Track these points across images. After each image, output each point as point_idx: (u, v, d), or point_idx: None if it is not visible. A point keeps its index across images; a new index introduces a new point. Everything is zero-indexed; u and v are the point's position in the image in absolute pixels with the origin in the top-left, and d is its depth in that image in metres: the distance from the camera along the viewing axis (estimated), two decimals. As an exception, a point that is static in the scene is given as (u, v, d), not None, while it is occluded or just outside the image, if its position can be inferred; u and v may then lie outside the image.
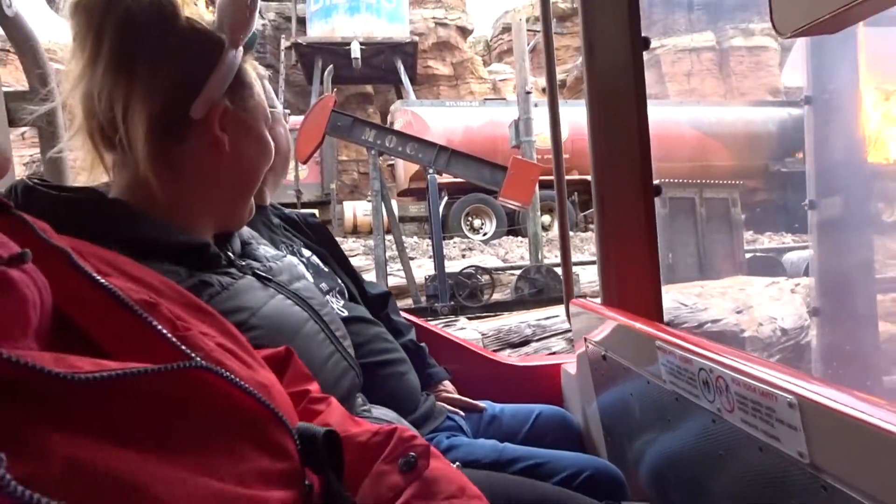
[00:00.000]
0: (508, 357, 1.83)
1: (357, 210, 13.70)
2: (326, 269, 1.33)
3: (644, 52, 1.44)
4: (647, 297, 1.44)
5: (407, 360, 1.32)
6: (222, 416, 0.48)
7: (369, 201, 10.23)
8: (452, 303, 7.97)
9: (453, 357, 1.64)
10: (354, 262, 10.58)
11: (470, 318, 6.15)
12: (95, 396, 0.40)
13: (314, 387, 0.75)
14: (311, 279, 1.19)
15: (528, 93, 9.31)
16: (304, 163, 9.14)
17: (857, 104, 2.83)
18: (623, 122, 1.43)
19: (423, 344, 1.48)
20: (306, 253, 1.32)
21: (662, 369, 0.94)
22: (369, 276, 9.45)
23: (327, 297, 1.22)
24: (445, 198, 11.98)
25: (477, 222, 12.94)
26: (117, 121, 0.77)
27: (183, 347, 0.50)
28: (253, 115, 0.88)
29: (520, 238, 12.08)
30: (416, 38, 18.53)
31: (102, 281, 0.50)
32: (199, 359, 0.50)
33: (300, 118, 10.26)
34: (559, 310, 4.79)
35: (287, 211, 1.44)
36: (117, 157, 0.82)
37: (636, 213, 1.44)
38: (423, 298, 8.33)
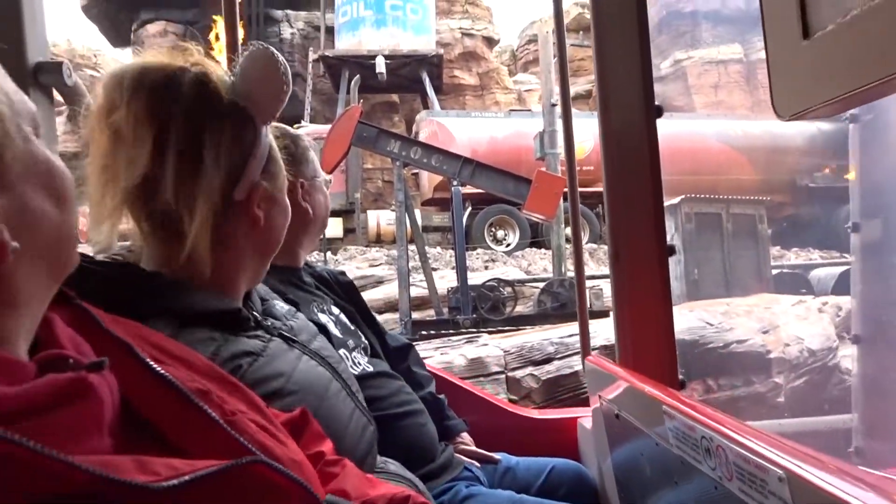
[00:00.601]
0: (526, 409, 1.86)
1: (381, 219, 13.75)
2: (353, 328, 1.39)
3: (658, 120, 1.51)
4: (662, 359, 1.48)
5: (426, 412, 1.36)
6: (271, 500, 0.55)
7: (393, 210, 10.27)
8: (475, 315, 7.96)
9: (471, 408, 1.69)
10: (377, 271, 10.65)
11: (492, 334, 6.13)
12: (173, 496, 0.46)
13: (328, 447, 0.80)
14: (339, 335, 1.28)
15: (554, 105, 9.27)
16: (330, 173, 9.19)
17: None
18: (638, 187, 1.49)
19: (441, 396, 1.53)
20: (335, 311, 1.37)
21: (669, 433, 0.98)
22: (392, 287, 9.50)
23: (353, 353, 1.29)
24: (469, 208, 11.97)
25: (500, 233, 12.91)
26: (179, 208, 0.81)
27: (234, 433, 0.57)
28: (280, 187, 0.94)
29: (543, 250, 12.03)
30: (441, 51, 18.60)
31: (162, 372, 0.57)
32: (254, 449, 0.57)
33: (327, 127, 10.36)
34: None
35: (319, 268, 1.50)
36: (155, 230, 0.85)
37: (651, 275, 1.49)
38: (446, 310, 8.34)
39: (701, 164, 13.04)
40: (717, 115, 17.04)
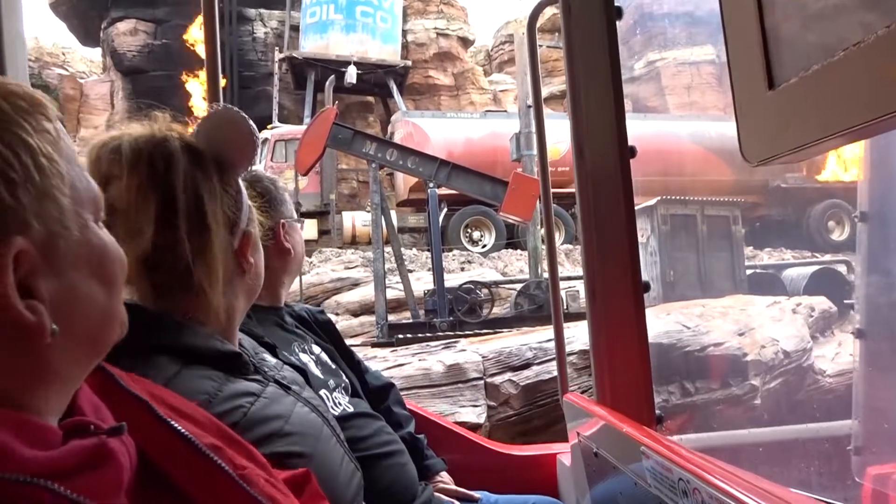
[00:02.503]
0: (505, 445, 1.88)
1: (356, 220, 13.62)
2: (334, 366, 1.40)
3: (630, 160, 1.54)
4: (639, 397, 1.50)
5: (406, 452, 1.37)
6: None
7: (368, 212, 10.19)
8: (451, 318, 7.92)
9: (451, 446, 1.71)
10: (353, 274, 10.56)
11: (469, 337, 6.08)
12: None
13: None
14: (320, 375, 1.30)
15: (530, 106, 9.26)
16: (305, 174, 9.11)
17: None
18: (613, 226, 1.52)
19: (421, 435, 1.54)
20: (316, 350, 1.39)
21: (647, 473, 1.00)
22: (367, 289, 9.42)
23: (334, 392, 1.30)
24: (445, 209, 11.93)
25: (476, 234, 12.87)
26: (197, 267, 0.85)
27: (246, 487, 0.62)
28: (256, 232, 0.98)
29: (519, 251, 12.02)
30: (410, 63, 18.66)
31: (180, 428, 0.61)
32: (265, 501, 0.62)
33: (301, 128, 10.23)
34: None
35: (298, 308, 1.52)
36: (164, 290, 0.88)
37: (627, 313, 1.50)
38: (422, 313, 8.29)
39: (675, 166, 13.13)
40: (690, 115, 17.17)
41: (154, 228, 0.82)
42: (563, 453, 1.67)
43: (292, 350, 1.27)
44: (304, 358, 1.29)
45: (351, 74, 16.32)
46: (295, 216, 1.44)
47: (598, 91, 1.52)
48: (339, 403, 1.29)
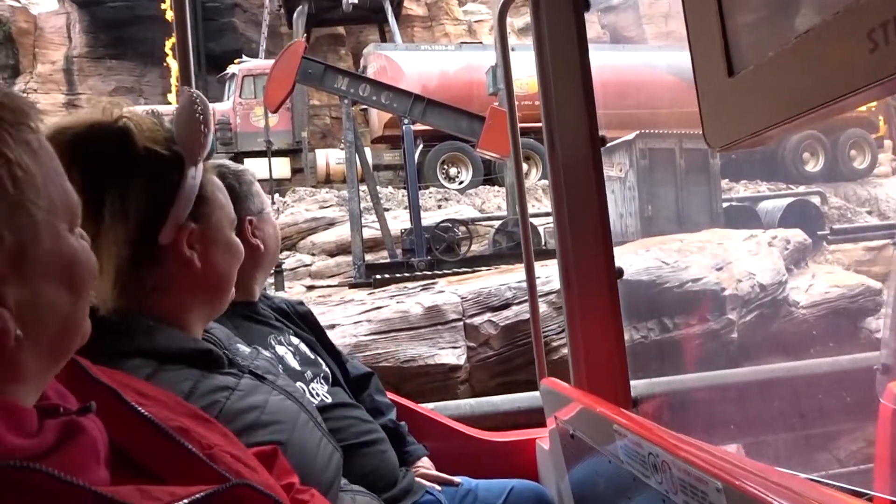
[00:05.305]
0: (485, 432, 1.89)
1: (330, 158, 13.30)
2: (313, 357, 1.40)
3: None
4: (614, 380, 1.53)
5: (386, 439, 1.40)
6: None
7: (342, 149, 9.97)
8: (429, 257, 7.87)
9: (432, 433, 1.74)
10: (328, 213, 10.40)
11: (447, 277, 6.04)
12: None
13: (296, 479, 0.85)
14: (297, 367, 1.32)
15: (506, 38, 9.00)
16: (275, 111, 8.84)
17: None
18: (586, 216, 1.55)
19: (402, 422, 1.57)
20: (294, 341, 1.39)
21: (620, 451, 1.05)
22: (343, 228, 9.29)
23: (312, 384, 1.32)
24: (420, 145, 11.69)
25: (453, 171, 12.66)
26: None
27: (213, 465, 0.64)
28: (217, 227, 0.95)
29: (497, 187, 11.89)
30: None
31: (146, 413, 0.64)
32: (231, 478, 0.64)
33: (270, 62, 9.86)
34: (539, 270, 4.70)
35: (277, 300, 1.51)
36: None
37: (602, 300, 1.53)
38: (400, 252, 8.22)
39: (652, 98, 12.95)
40: (667, 46, 16.87)
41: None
42: (541, 438, 1.71)
43: (268, 343, 1.29)
44: (281, 350, 1.31)
45: (350, -1, 15.48)
46: (265, 209, 1.44)
47: (568, 84, 1.54)
48: (318, 394, 1.31)
